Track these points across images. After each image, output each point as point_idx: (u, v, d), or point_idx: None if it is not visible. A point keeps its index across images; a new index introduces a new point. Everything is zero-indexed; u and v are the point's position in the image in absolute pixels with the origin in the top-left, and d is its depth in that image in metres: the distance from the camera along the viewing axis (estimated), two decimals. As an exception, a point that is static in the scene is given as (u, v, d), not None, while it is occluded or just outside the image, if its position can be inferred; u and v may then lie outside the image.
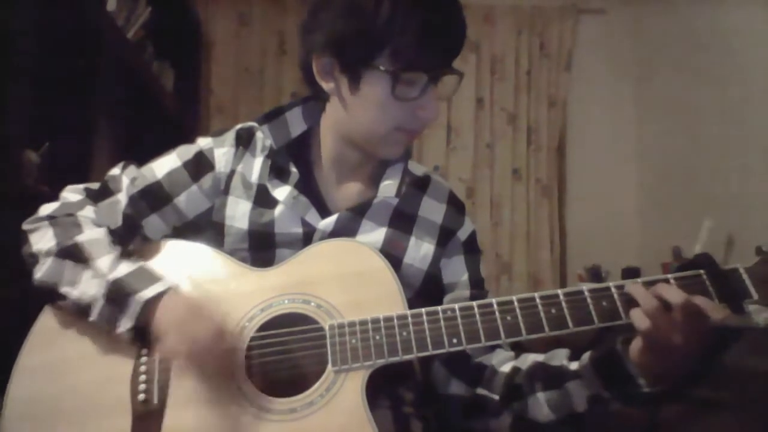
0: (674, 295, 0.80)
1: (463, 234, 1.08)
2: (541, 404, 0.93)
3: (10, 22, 1.53)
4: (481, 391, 0.99)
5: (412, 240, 1.02)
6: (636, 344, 0.85)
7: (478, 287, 1.06)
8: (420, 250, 1.02)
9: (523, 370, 0.97)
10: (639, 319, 0.82)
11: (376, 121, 0.95)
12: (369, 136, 0.97)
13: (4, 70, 1.50)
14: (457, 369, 1.01)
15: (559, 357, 0.97)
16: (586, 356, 0.93)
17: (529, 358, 0.99)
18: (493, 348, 1.01)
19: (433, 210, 1.06)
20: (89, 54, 1.90)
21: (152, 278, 0.91)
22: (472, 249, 1.08)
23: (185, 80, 3.00)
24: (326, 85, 0.97)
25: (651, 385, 0.85)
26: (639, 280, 0.85)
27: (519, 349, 1.02)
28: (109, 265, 0.91)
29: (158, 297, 0.88)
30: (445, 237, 1.05)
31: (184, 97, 2.98)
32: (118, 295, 0.88)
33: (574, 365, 0.94)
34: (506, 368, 0.98)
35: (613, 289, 0.85)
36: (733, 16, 2.58)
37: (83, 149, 1.88)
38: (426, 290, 1.01)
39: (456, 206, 1.09)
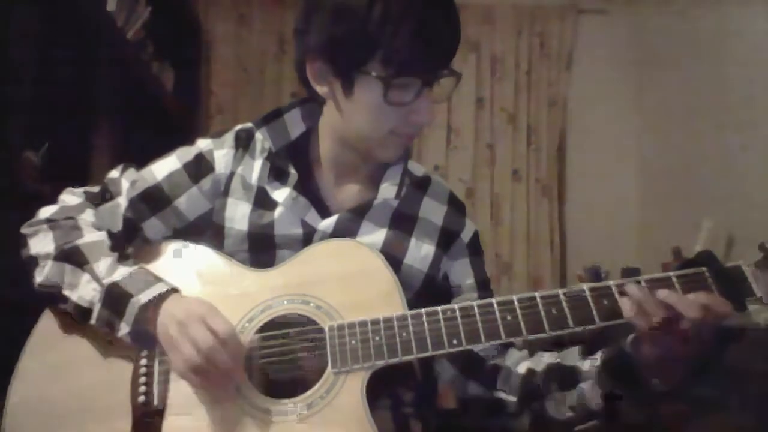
0: (676, 298, 0.81)
1: (466, 236, 1.07)
2: (558, 404, 0.95)
3: (11, 23, 1.53)
4: (498, 393, 1.00)
5: (413, 241, 1.02)
6: (642, 344, 0.86)
7: (484, 288, 1.06)
8: (420, 251, 1.02)
9: (538, 371, 0.98)
10: (631, 314, 0.82)
11: (371, 125, 0.94)
12: (364, 140, 0.97)
13: (4, 70, 1.50)
14: (473, 373, 1.02)
15: (572, 356, 0.98)
16: (598, 356, 0.94)
17: (543, 359, 1.00)
18: (506, 348, 1.02)
19: (433, 211, 1.06)
20: (89, 54, 1.90)
21: (148, 282, 0.90)
22: (476, 251, 1.08)
23: (185, 80, 2.99)
24: (320, 89, 0.96)
25: (665, 383, 0.86)
26: (641, 278, 0.86)
27: (530, 345, 1.03)
28: (106, 269, 0.91)
29: (154, 301, 0.88)
30: (446, 239, 1.05)
31: (184, 97, 2.97)
32: (114, 299, 0.88)
33: (586, 365, 0.95)
34: (522, 369, 1.00)
35: (614, 288, 0.85)
36: (734, 17, 2.58)
37: (83, 149, 1.89)
38: (426, 291, 1.01)
39: (456, 207, 1.09)
